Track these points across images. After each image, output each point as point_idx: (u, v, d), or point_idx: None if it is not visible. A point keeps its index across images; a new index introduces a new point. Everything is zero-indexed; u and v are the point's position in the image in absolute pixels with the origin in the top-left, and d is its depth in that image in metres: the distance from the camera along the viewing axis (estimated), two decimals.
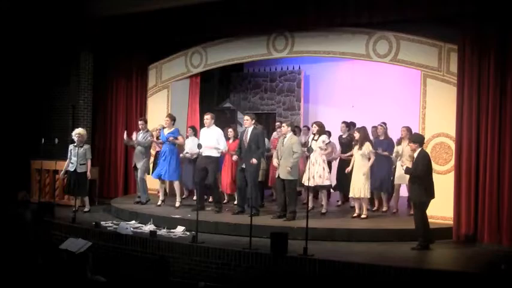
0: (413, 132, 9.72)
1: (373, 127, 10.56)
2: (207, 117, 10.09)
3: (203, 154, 9.82)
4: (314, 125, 9.89)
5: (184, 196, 11.07)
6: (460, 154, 8.82)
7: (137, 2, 11.01)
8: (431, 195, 8.07)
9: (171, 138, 10.34)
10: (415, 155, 8.10)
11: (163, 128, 10.66)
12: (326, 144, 9.77)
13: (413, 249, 7.95)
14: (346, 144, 10.48)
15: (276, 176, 9.51)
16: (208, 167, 9.93)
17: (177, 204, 10.43)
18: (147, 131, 11.07)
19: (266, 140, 10.48)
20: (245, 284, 7.35)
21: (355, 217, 9.59)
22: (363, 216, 9.51)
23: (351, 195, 9.71)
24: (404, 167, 8.25)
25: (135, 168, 11.03)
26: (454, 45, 9.01)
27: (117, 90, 12.79)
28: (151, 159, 11.30)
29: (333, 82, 13.09)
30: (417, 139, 8.22)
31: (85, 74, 12.59)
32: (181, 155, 10.52)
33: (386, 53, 9.75)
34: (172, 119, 10.59)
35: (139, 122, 11.12)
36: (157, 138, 10.91)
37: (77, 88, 12.51)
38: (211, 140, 9.93)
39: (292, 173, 9.21)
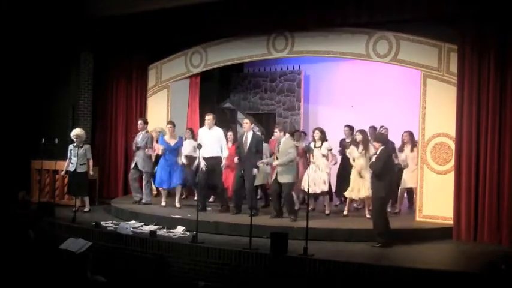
0: (413, 135, 9.84)
1: (371, 127, 10.52)
2: (209, 118, 10.09)
3: (206, 155, 9.84)
4: (316, 131, 9.89)
5: (183, 196, 11.09)
6: (460, 154, 8.83)
7: (137, 2, 11.01)
8: (390, 192, 8.36)
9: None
10: (377, 153, 8.18)
11: (164, 135, 10.66)
12: (329, 150, 9.79)
13: (374, 246, 8.08)
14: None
15: (272, 179, 9.52)
16: (215, 168, 9.96)
17: (178, 205, 10.44)
18: (147, 132, 11.07)
19: (265, 144, 10.46)
20: (245, 284, 7.35)
21: (347, 215, 9.76)
22: (368, 216, 9.53)
23: (355, 196, 9.72)
24: (370, 162, 8.45)
25: (138, 169, 11.00)
26: (454, 45, 9.02)
27: (117, 90, 12.80)
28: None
29: (333, 82, 13.09)
30: (380, 139, 8.44)
31: (85, 74, 12.60)
32: (181, 161, 10.45)
33: (386, 53, 9.75)
34: (175, 125, 10.65)
35: (139, 122, 11.13)
36: (157, 141, 10.93)
37: (77, 88, 12.52)
38: (213, 141, 9.96)
39: (288, 176, 9.24)
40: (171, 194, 10.97)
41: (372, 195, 8.45)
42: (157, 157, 10.93)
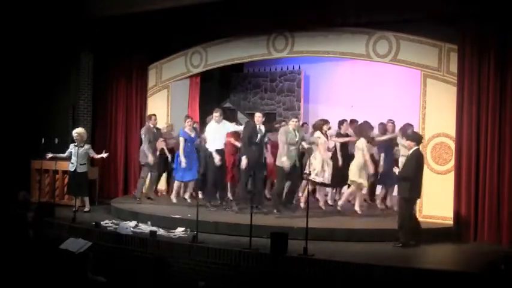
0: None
1: (380, 124, 10.56)
2: (217, 114, 10.20)
3: (220, 147, 10.07)
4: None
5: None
6: (460, 154, 8.84)
7: (137, 2, 11.00)
8: (416, 193, 8.18)
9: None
10: (409, 153, 8.15)
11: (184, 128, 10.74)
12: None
13: (396, 246, 8.09)
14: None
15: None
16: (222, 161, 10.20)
17: (175, 200, 10.70)
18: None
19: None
20: (245, 284, 7.35)
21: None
22: (359, 211, 9.82)
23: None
24: (396, 172, 8.38)
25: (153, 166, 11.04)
26: (454, 45, 9.02)
27: (117, 90, 12.78)
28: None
29: (333, 82, 13.08)
30: (414, 138, 8.32)
31: (85, 74, 12.59)
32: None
33: (386, 53, 9.76)
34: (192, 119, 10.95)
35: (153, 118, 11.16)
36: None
37: (77, 88, 12.51)
38: (224, 134, 10.24)
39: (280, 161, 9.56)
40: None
41: (399, 196, 8.40)
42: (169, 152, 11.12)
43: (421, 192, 8.27)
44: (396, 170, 8.47)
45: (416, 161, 8.10)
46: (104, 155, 10.54)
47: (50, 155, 10.36)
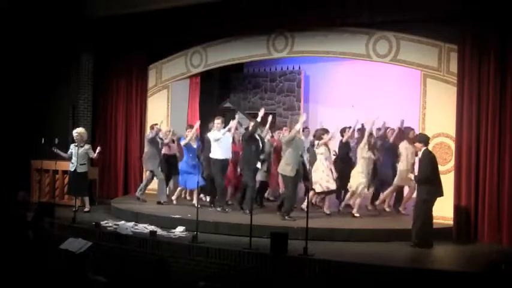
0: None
1: (378, 129, 10.50)
2: (218, 122, 10.04)
3: (224, 157, 9.93)
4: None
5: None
6: (460, 154, 8.84)
7: (137, 2, 11.01)
8: (436, 193, 8.10)
9: None
10: (420, 154, 8.14)
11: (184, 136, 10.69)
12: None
13: (412, 246, 8.06)
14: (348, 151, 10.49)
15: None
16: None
17: (175, 202, 10.68)
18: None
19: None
20: (245, 284, 7.35)
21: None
22: (357, 215, 9.73)
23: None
24: (412, 177, 8.42)
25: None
26: (454, 45, 9.03)
27: (117, 90, 12.79)
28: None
29: (333, 82, 13.11)
30: (422, 139, 8.30)
31: (85, 74, 12.60)
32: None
33: (386, 53, 9.76)
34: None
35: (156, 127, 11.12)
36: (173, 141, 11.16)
37: (77, 88, 12.52)
38: (229, 142, 10.11)
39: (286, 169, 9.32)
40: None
41: (416, 198, 8.38)
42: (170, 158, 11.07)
43: (442, 191, 8.13)
44: (412, 176, 8.52)
45: (430, 161, 8.07)
46: (98, 149, 10.51)
47: (55, 150, 10.32)
